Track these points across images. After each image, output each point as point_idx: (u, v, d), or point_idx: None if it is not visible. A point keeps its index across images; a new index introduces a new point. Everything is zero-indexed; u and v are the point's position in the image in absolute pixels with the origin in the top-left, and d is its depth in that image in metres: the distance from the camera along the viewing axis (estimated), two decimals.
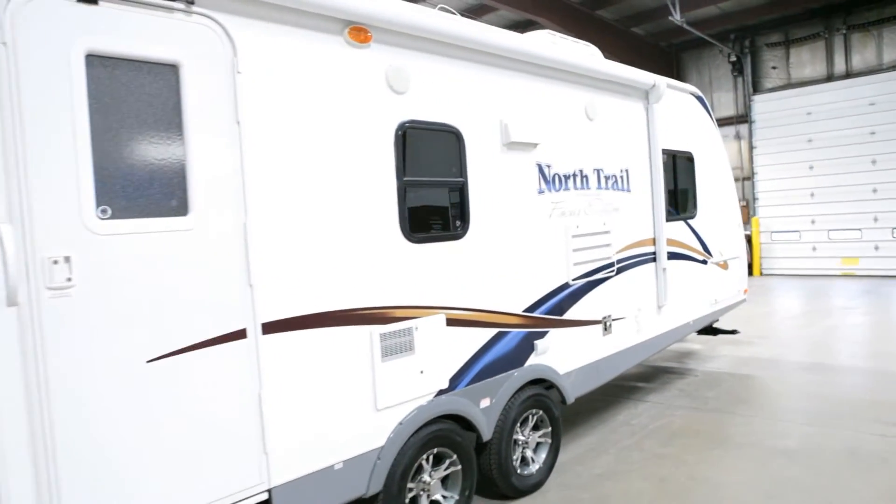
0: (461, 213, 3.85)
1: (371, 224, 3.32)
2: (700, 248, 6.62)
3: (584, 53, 4.98)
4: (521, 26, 16.52)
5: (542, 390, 4.44)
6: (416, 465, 3.54)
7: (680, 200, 6.34)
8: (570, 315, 4.72)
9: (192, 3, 2.62)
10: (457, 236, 3.81)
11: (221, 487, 2.69)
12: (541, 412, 4.45)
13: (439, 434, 3.66)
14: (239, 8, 2.79)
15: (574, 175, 4.81)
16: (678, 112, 6.35)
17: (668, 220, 6.01)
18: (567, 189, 4.73)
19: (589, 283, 4.93)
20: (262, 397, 2.83)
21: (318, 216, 3.09)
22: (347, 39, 3.22)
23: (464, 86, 3.88)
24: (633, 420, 5.92)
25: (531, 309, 4.36)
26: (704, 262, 6.71)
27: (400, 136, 3.47)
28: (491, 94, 4.07)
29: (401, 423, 3.43)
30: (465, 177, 3.86)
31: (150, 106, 2.51)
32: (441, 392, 3.68)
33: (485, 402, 3.97)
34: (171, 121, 2.57)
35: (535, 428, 4.48)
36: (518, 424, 4.26)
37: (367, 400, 3.28)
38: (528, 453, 4.39)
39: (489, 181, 4.04)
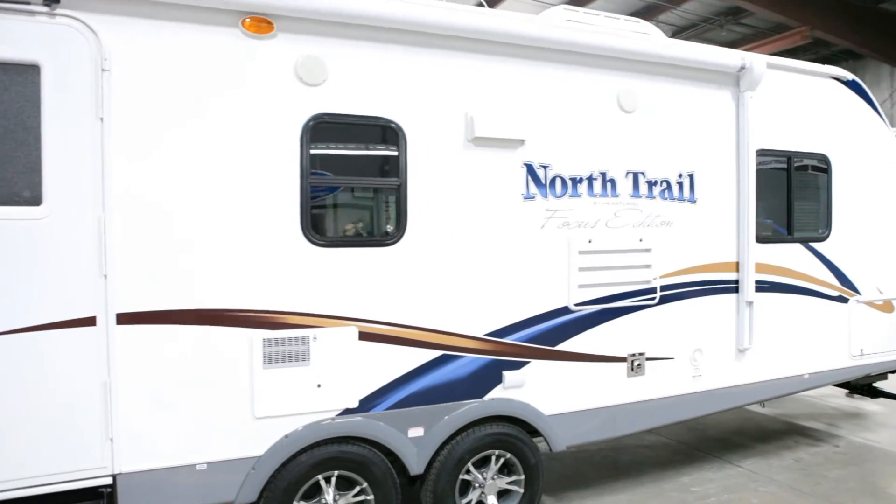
0: (396, 218, 3.45)
1: (262, 224, 3.15)
2: (833, 280, 5.00)
3: (614, 30, 4.06)
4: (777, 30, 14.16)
5: (513, 430, 3.78)
6: (307, 483, 3.28)
7: (797, 217, 4.85)
8: (568, 346, 3.93)
9: (58, 2, 2.76)
10: (384, 243, 3.42)
11: (59, 465, 2.81)
12: (509, 455, 3.79)
13: (343, 456, 3.34)
14: (108, 7, 2.86)
15: (591, 178, 3.98)
16: (802, 102, 4.85)
17: (767, 241, 4.66)
18: (576, 195, 3.93)
19: (607, 310, 4.04)
20: (110, 385, 2.88)
21: (194, 213, 3.03)
22: (244, 31, 3.09)
23: (409, 74, 3.45)
24: (696, 486, 4.74)
25: (501, 334, 3.73)
26: (842, 299, 5.05)
27: (309, 132, 3.23)
28: (452, 82, 3.56)
29: (286, 437, 3.21)
30: (404, 177, 3.44)
31: (7, 103, 2.71)
32: (348, 411, 3.35)
33: (415, 432, 3.51)
34: (28, 117, 2.74)
35: (506, 472, 3.83)
36: (470, 463, 3.69)
37: (243, 406, 3.14)
38: (491, 500, 3.78)
39: (442, 182, 3.55)
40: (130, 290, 2.93)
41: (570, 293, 3.92)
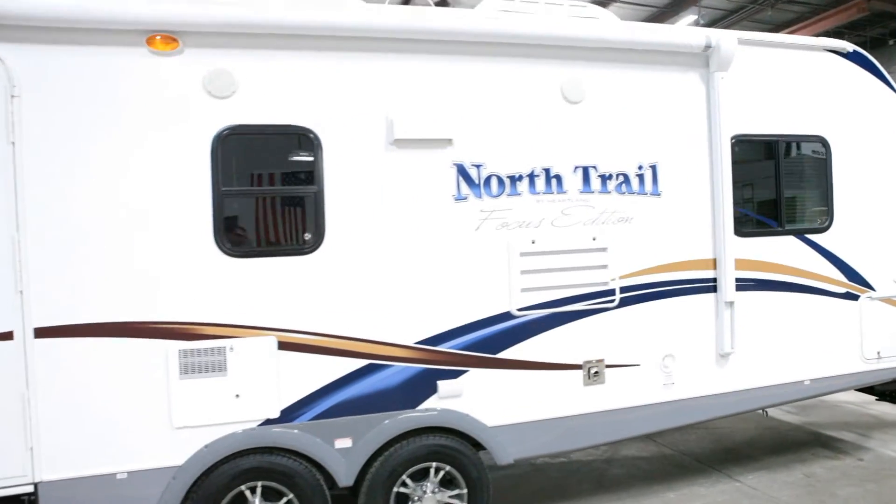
0: (314, 226, 3.40)
1: (176, 237, 3.19)
2: (838, 275, 4.51)
3: (555, 17, 3.83)
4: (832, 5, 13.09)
5: (451, 442, 3.63)
6: (230, 493, 3.28)
7: (788, 207, 4.42)
8: (512, 354, 3.74)
9: None
10: (303, 251, 3.38)
11: None
12: (448, 467, 3.64)
13: (266, 467, 3.33)
14: (15, 35, 2.98)
15: (532, 175, 3.77)
16: (791, 80, 4.41)
17: (751, 235, 4.27)
18: (515, 194, 3.74)
19: (556, 315, 3.82)
20: (28, 396, 3.00)
21: (108, 229, 3.11)
22: (150, 49, 3.15)
23: (322, 80, 3.40)
24: (680, 503, 4.39)
25: (434, 341, 3.59)
26: (850, 296, 4.54)
27: (219, 144, 3.24)
28: (370, 85, 3.48)
29: (206, 447, 3.23)
30: (321, 184, 3.39)
31: None
32: (269, 422, 3.34)
33: (343, 443, 3.44)
34: None
35: (448, 485, 3.69)
36: (406, 476, 3.57)
37: (161, 416, 3.18)
38: None
39: (363, 187, 3.47)
40: (47, 305, 3.04)
41: (512, 297, 3.73)
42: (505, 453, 3.71)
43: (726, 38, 4.05)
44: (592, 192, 3.90)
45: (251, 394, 3.30)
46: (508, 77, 3.72)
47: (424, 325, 3.58)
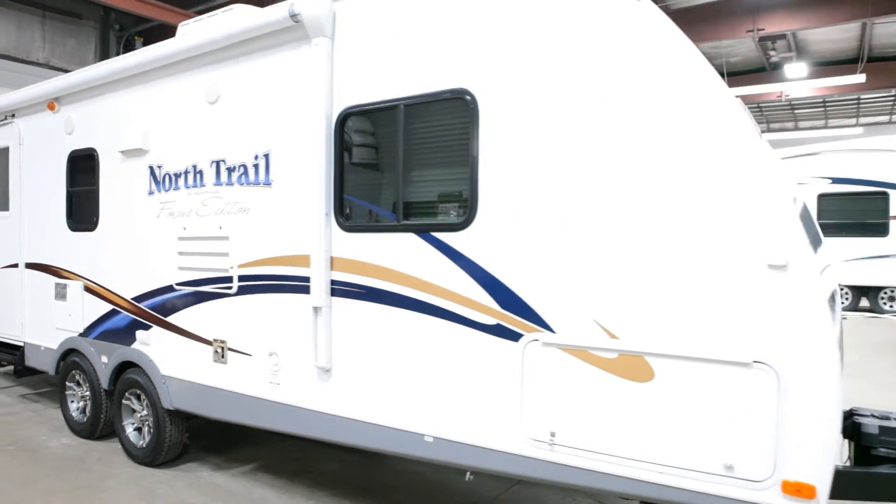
0: (94, 212, 5.13)
1: (53, 218, 5.54)
2: (482, 296, 3.04)
3: (203, 27, 4.16)
4: None
5: (142, 378, 4.72)
6: (70, 373, 5.48)
7: (408, 192, 3.22)
8: (174, 320, 4.49)
9: None
10: (91, 229, 5.17)
11: None
12: (146, 398, 4.76)
13: (79, 363, 5.35)
14: None
15: (186, 172, 4.36)
16: (430, 19, 3.16)
17: (361, 230, 3.48)
18: (177, 188, 4.43)
19: (196, 293, 4.32)
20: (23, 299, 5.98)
21: (41, 216, 5.73)
22: (48, 111, 5.57)
23: (102, 114, 5.04)
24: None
25: (139, 299, 4.76)
26: (505, 332, 2.96)
27: (68, 162, 5.40)
28: (119, 113, 4.89)
29: (63, 342, 5.51)
30: (97, 185, 5.09)
31: None
32: (81, 334, 5.33)
33: (104, 359, 5.09)
34: None
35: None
36: (130, 395, 4.91)
37: (51, 319, 5.63)
38: (146, 428, 4.85)
39: (111, 187, 4.96)
40: (27, 254, 5.90)
41: (174, 273, 4.47)
42: (168, 400, 4.54)
43: (315, 3, 3.44)
44: (222, 185, 4.13)
45: (74, 315, 5.38)
46: (174, 91, 4.43)
47: (134, 286, 4.81)
